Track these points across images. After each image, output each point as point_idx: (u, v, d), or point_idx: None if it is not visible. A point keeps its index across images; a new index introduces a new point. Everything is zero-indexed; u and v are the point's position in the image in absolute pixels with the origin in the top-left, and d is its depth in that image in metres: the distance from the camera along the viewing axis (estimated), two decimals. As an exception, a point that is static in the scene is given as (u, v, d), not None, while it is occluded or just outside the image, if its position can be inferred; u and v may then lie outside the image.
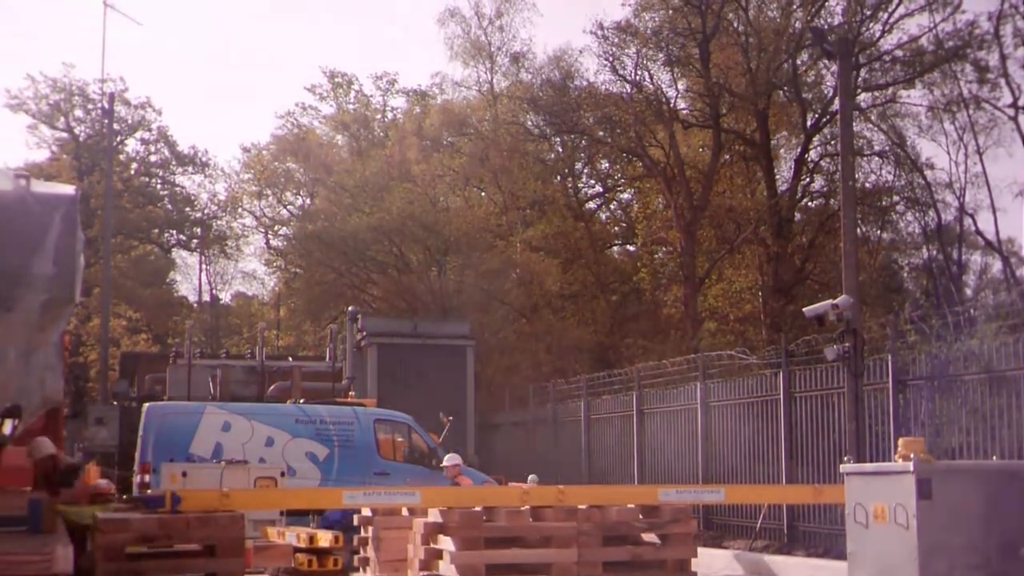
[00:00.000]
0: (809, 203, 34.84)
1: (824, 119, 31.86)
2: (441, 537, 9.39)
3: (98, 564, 8.11)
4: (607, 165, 41.08)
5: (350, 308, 29.54)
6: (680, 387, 20.10)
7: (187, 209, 51.22)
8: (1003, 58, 29.95)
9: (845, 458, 13.51)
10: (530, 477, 23.85)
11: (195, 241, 52.29)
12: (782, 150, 35.74)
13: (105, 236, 33.47)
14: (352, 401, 20.64)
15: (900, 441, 9.29)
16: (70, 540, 7.06)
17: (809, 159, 33.33)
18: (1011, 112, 30.77)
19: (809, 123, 32.14)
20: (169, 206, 50.74)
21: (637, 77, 33.42)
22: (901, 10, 30.12)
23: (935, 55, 30.21)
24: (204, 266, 55.32)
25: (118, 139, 46.06)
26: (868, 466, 11.26)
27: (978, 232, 34.11)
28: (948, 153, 35.68)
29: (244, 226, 52.22)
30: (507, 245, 38.15)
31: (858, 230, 25.88)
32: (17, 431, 7.64)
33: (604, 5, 42.93)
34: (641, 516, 9.61)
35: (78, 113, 47.35)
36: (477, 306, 32.91)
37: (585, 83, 35.80)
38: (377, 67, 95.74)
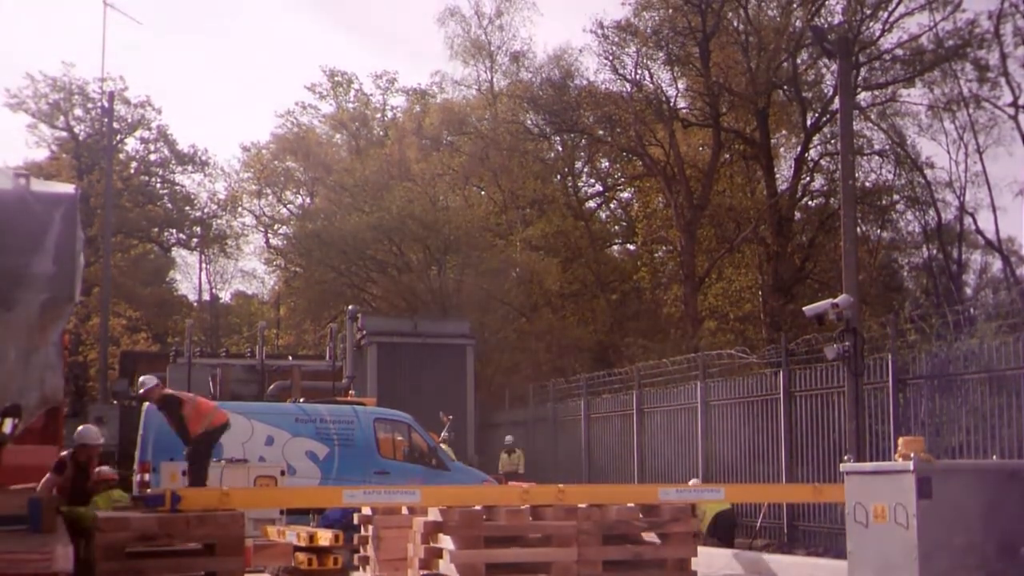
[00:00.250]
0: (809, 202, 34.85)
1: (824, 118, 31.86)
2: (441, 536, 9.38)
3: (98, 563, 8.11)
4: (607, 164, 41.11)
5: (350, 307, 29.54)
6: (680, 386, 20.11)
7: (187, 208, 51.18)
8: (1003, 57, 29.96)
9: (845, 457, 13.51)
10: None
11: (195, 240, 52.26)
12: (782, 149, 35.76)
13: (105, 235, 33.46)
14: (352, 400, 20.62)
15: (900, 440, 9.27)
16: (71, 538, 7.07)
17: (809, 158, 33.34)
18: (1011, 111, 30.79)
19: (809, 122, 32.14)
20: (169, 205, 50.71)
21: (637, 76, 33.47)
22: (901, 9, 30.16)
23: (935, 54, 30.20)
24: (204, 265, 55.35)
25: (118, 138, 46.02)
26: (868, 465, 11.24)
27: (978, 231, 34.13)
28: (948, 152, 35.72)
29: (244, 225, 52.27)
30: (507, 244, 38.15)
31: (858, 229, 25.87)
32: (17, 430, 7.64)
33: (604, 4, 43.00)
34: (641, 515, 9.60)
35: (78, 112, 47.33)
36: (477, 305, 32.92)
37: (585, 82, 35.86)
38: (377, 66, 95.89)
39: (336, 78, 51.02)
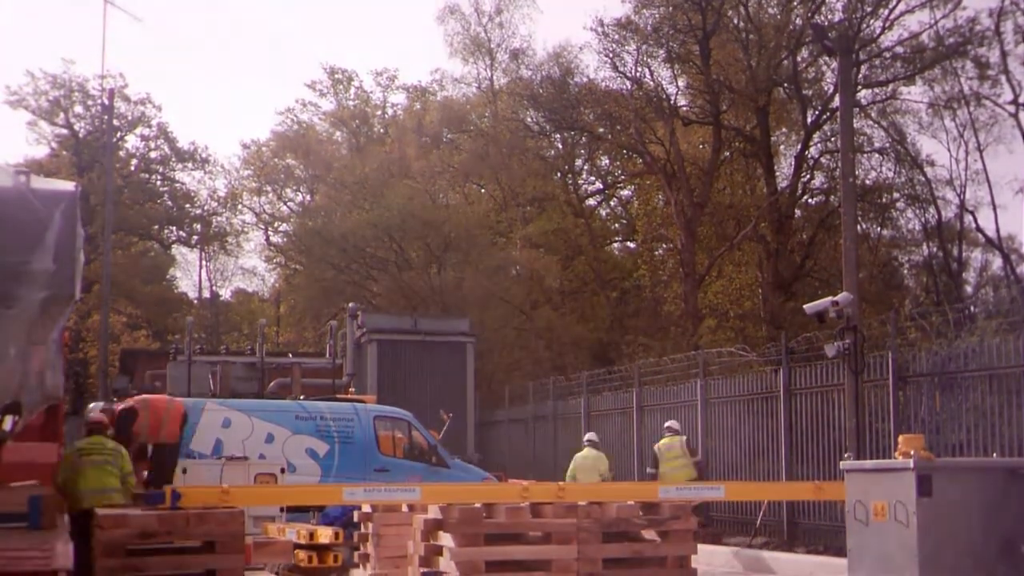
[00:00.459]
0: (809, 200, 34.82)
1: (824, 116, 31.83)
2: (441, 533, 9.39)
3: (98, 560, 8.12)
4: (607, 162, 41.09)
5: (350, 305, 29.53)
6: (680, 384, 20.11)
7: (187, 205, 51.21)
8: (1004, 55, 29.93)
9: (845, 455, 13.53)
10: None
11: (195, 237, 52.29)
12: (782, 147, 35.74)
13: (105, 232, 33.45)
14: (352, 398, 20.62)
15: (900, 438, 9.29)
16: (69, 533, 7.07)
17: (809, 156, 33.31)
18: (1012, 109, 30.78)
19: (809, 120, 32.12)
20: (169, 202, 50.72)
21: (637, 74, 33.42)
22: (902, 6, 30.08)
23: (936, 52, 30.16)
24: (204, 262, 55.38)
25: (118, 135, 46.02)
26: (868, 463, 11.26)
27: (978, 229, 34.10)
28: (948, 150, 35.64)
29: (244, 222, 52.31)
30: (507, 242, 38.16)
31: (858, 227, 25.86)
32: (18, 427, 7.65)
33: (604, 1, 43.02)
34: (641, 513, 9.61)
35: (78, 109, 47.34)
36: (477, 303, 32.91)
37: (585, 80, 35.80)
38: (377, 63, 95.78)
39: (336, 75, 51.05)
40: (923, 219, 34.67)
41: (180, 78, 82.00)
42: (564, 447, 24.37)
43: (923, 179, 33.69)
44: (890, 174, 34.09)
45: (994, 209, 32.78)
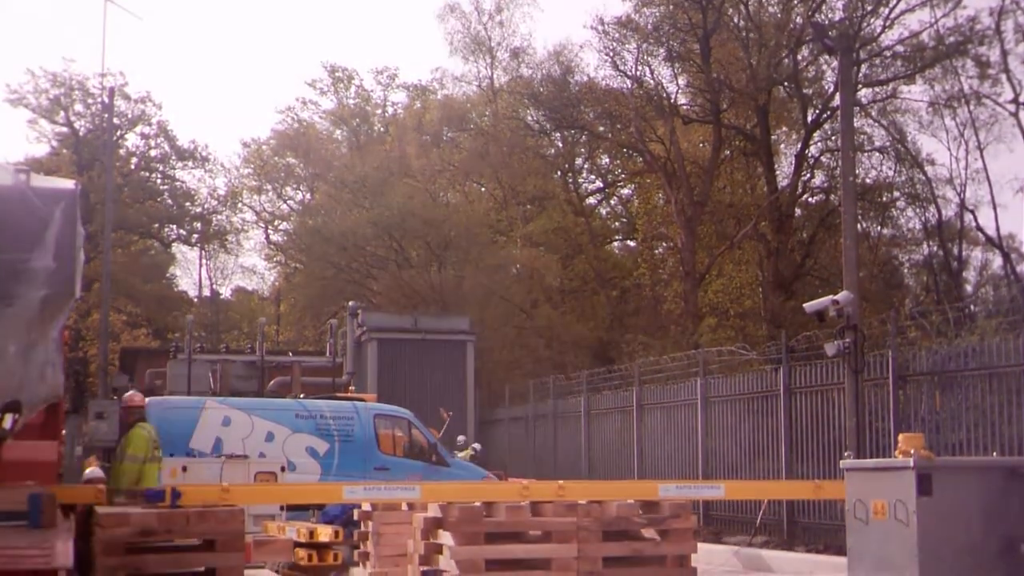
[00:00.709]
0: (809, 199, 34.83)
1: (824, 115, 31.83)
2: (441, 532, 9.39)
3: (97, 558, 8.11)
4: (607, 160, 41.09)
5: (350, 303, 29.53)
6: (680, 383, 20.11)
7: (187, 204, 51.18)
8: (1004, 54, 29.91)
9: (845, 454, 13.52)
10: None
11: (195, 236, 52.28)
12: (782, 146, 35.76)
13: (105, 231, 33.43)
14: (352, 396, 20.62)
15: (900, 437, 9.28)
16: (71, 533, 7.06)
17: (809, 155, 33.31)
18: (1012, 108, 30.76)
19: (809, 119, 32.12)
20: (169, 201, 50.70)
21: (638, 72, 33.42)
22: (902, 5, 30.08)
23: (936, 51, 30.15)
24: (204, 261, 55.40)
25: (118, 134, 46.01)
26: (868, 462, 11.26)
27: (979, 228, 34.08)
28: (949, 149, 35.64)
29: (244, 221, 52.31)
30: (507, 240, 38.17)
31: (858, 226, 25.86)
32: (17, 426, 7.63)
33: (604, 0, 42.96)
34: (641, 512, 9.60)
35: (78, 108, 47.32)
36: (477, 301, 32.92)
37: (585, 78, 35.84)
38: (378, 62, 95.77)
39: (336, 74, 51.05)
40: (923, 218, 34.70)
41: (180, 76, 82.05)
42: (564, 446, 24.40)
43: (923, 178, 33.71)
44: (890, 173, 34.14)
45: (994, 208, 32.79)
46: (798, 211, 33.66)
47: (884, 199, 34.19)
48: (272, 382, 23.25)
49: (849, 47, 19.68)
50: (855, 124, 28.39)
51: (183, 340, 26.35)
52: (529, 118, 37.88)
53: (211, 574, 8.30)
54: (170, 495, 8.96)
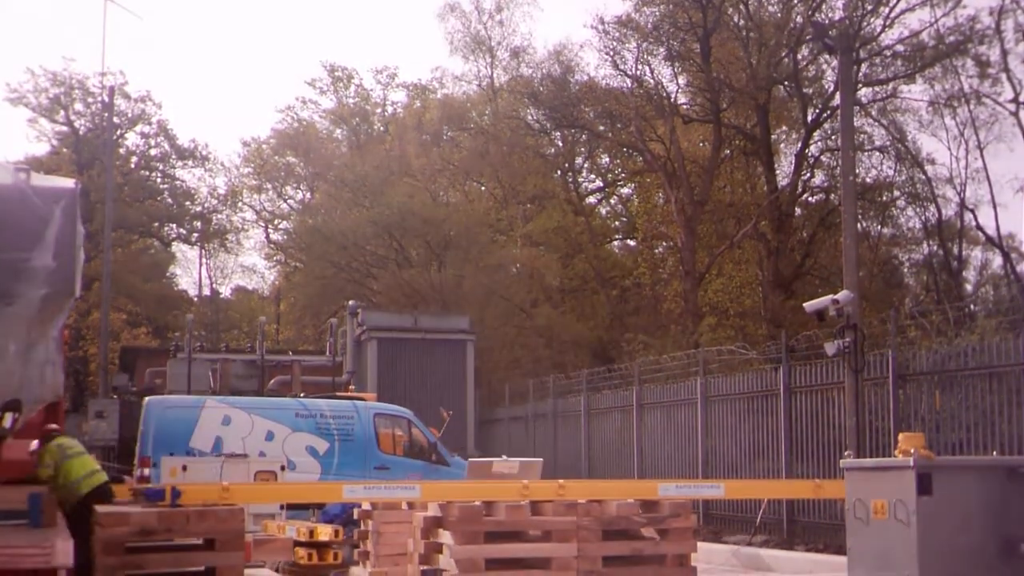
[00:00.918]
0: (809, 198, 34.82)
1: (824, 114, 31.82)
2: (441, 531, 9.39)
3: (98, 557, 8.11)
4: (607, 160, 41.08)
5: (350, 302, 29.55)
6: (680, 382, 20.11)
7: (187, 203, 51.19)
8: (1004, 53, 29.88)
9: (845, 453, 13.52)
10: None
11: (195, 235, 52.28)
12: (782, 145, 35.74)
13: (105, 230, 33.45)
14: (352, 395, 20.64)
15: (900, 436, 9.28)
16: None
17: (809, 154, 33.30)
18: (1012, 107, 30.72)
19: (810, 118, 32.11)
20: (169, 200, 50.71)
21: (638, 72, 33.40)
22: (902, 4, 30.04)
23: (936, 50, 30.13)
24: (204, 260, 55.40)
25: (118, 133, 46.01)
26: (868, 461, 11.25)
27: (978, 227, 34.05)
28: (949, 148, 35.62)
29: (244, 220, 52.32)
30: (507, 240, 38.16)
31: (858, 225, 25.84)
32: (17, 424, 7.64)
33: (604, 0, 42.94)
34: (641, 511, 9.60)
35: (78, 107, 47.32)
36: (477, 301, 32.92)
37: (585, 78, 35.82)
38: (378, 61, 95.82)
39: (336, 73, 51.04)
40: (923, 217, 34.68)
41: (180, 75, 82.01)
42: (564, 445, 24.40)
43: (923, 177, 33.69)
44: (890, 172, 34.11)
45: (994, 207, 32.76)
46: (798, 211, 33.65)
47: (884, 199, 34.17)
48: (272, 381, 23.29)
49: (849, 47, 19.67)
50: (855, 124, 28.38)
51: (183, 339, 26.38)
52: (529, 117, 37.87)
53: (211, 573, 8.31)
54: (170, 494, 8.97)
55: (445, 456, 18.56)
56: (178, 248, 53.93)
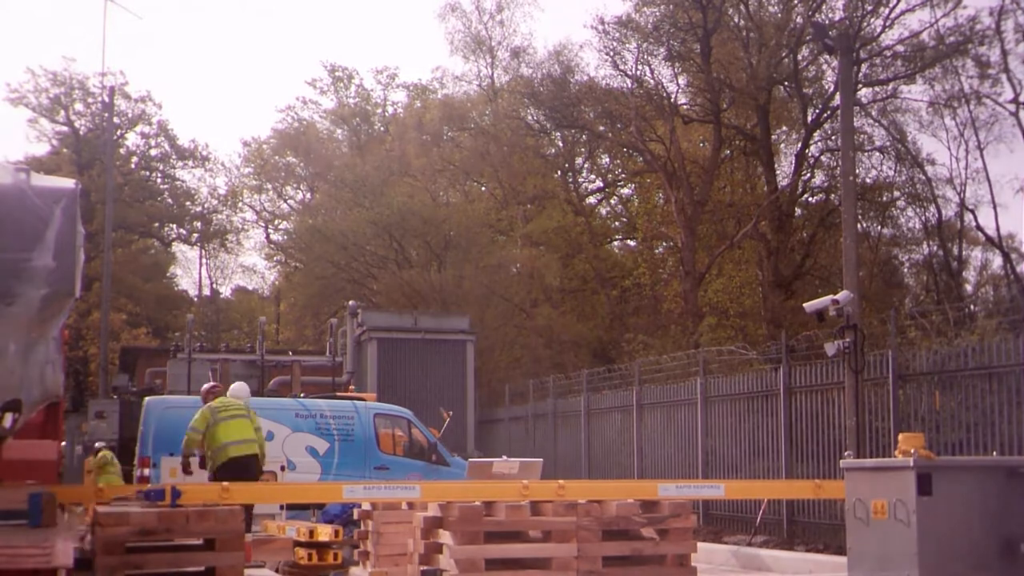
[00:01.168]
0: (809, 198, 34.84)
1: (825, 114, 31.83)
2: (440, 531, 9.39)
3: (97, 557, 8.11)
4: (607, 160, 41.10)
5: (350, 303, 29.55)
6: (680, 382, 20.11)
7: (187, 203, 51.25)
8: (1004, 53, 29.90)
9: (845, 453, 13.52)
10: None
11: (195, 235, 52.33)
12: (783, 145, 35.76)
13: (105, 230, 33.48)
14: (352, 395, 20.65)
15: (900, 437, 9.27)
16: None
17: (809, 154, 33.32)
18: (1012, 108, 30.75)
19: (810, 118, 32.12)
20: (169, 200, 50.76)
21: (638, 72, 33.42)
22: (902, 5, 30.07)
23: (936, 50, 30.14)
24: (204, 260, 55.44)
25: (118, 133, 46.05)
26: (868, 462, 11.25)
27: (978, 228, 34.07)
28: (949, 149, 35.66)
29: (244, 220, 52.39)
30: (507, 240, 38.18)
31: (858, 225, 25.84)
32: (17, 425, 7.63)
33: (605, 0, 42.98)
34: (640, 511, 9.59)
35: (78, 107, 47.37)
36: (477, 301, 32.93)
37: (586, 78, 35.83)
38: (378, 61, 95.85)
39: (337, 73, 51.10)
40: (923, 218, 34.69)
41: (180, 75, 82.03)
42: (564, 445, 24.40)
43: (923, 178, 33.70)
44: (890, 173, 34.13)
45: (994, 208, 32.79)
46: (798, 211, 33.66)
47: (884, 199, 34.19)
48: (272, 381, 23.30)
49: (849, 47, 19.66)
50: (855, 124, 28.39)
51: (183, 339, 26.40)
52: (529, 118, 37.87)
53: (211, 573, 8.31)
54: (170, 494, 8.96)
55: (445, 456, 18.55)
56: (178, 248, 54.04)
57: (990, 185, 32.91)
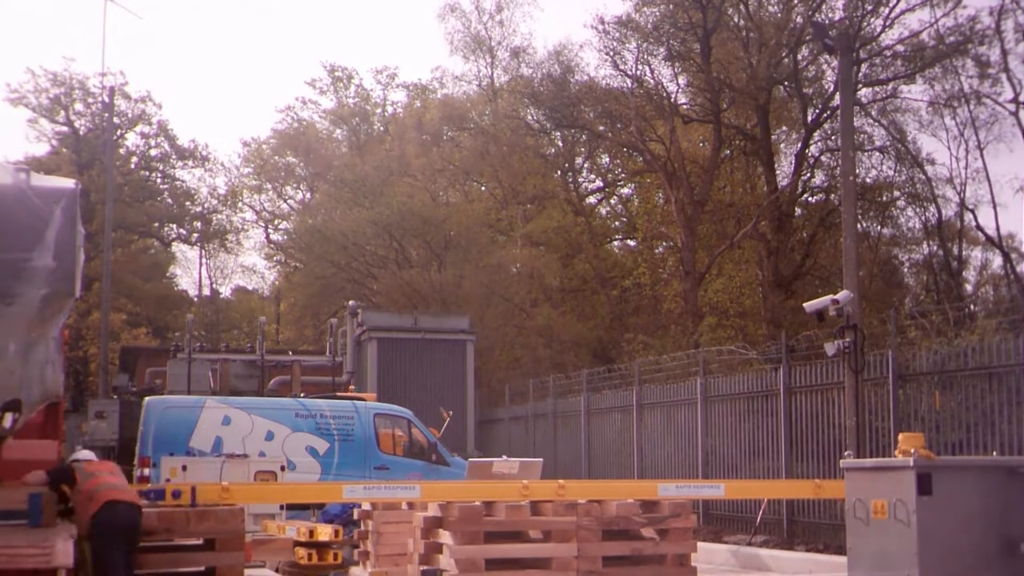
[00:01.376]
0: (809, 198, 34.82)
1: (825, 114, 31.82)
2: (441, 531, 9.39)
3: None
4: (607, 160, 41.09)
5: (350, 302, 29.54)
6: (680, 382, 20.11)
7: (187, 203, 51.23)
8: (1004, 53, 29.87)
9: (845, 453, 13.53)
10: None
11: (195, 235, 52.32)
12: (782, 145, 35.74)
13: (105, 230, 33.47)
14: (352, 395, 20.64)
15: (900, 436, 9.28)
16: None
17: (809, 154, 33.30)
18: (1012, 107, 30.73)
19: (810, 118, 32.11)
20: (169, 200, 50.74)
21: (638, 72, 33.40)
22: (902, 5, 30.04)
23: (936, 50, 30.13)
24: (204, 260, 55.44)
25: (118, 133, 46.03)
26: (868, 461, 11.25)
27: (978, 228, 34.06)
28: (949, 148, 35.64)
29: (244, 220, 52.39)
30: (507, 240, 38.16)
31: (858, 225, 25.83)
32: (17, 424, 7.63)
33: (604, 0, 42.99)
34: (640, 511, 9.60)
35: (78, 107, 47.35)
36: (477, 301, 32.92)
37: (585, 78, 35.81)
38: (377, 61, 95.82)
39: (336, 73, 51.09)
40: (923, 217, 34.68)
41: (180, 75, 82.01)
42: (564, 445, 24.40)
43: (923, 177, 33.69)
44: (890, 172, 34.11)
45: (994, 208, 32.77)
46: (798, 211, 33.65)
47: (884, 199, 34.17)
48: (272, 381, 23.29)
49: (849, 47, 19.65)
50: (855, 123, 28.38)
51: (183, 339, 26.39)
52: (529, 117, 37.86)
53: (211, 573, 8.32)
54: (170, 494, 8.97)
55: (445, 456, 18.55)
56: (178, 248, 54.02)
57: (990, 185, 32.92)
